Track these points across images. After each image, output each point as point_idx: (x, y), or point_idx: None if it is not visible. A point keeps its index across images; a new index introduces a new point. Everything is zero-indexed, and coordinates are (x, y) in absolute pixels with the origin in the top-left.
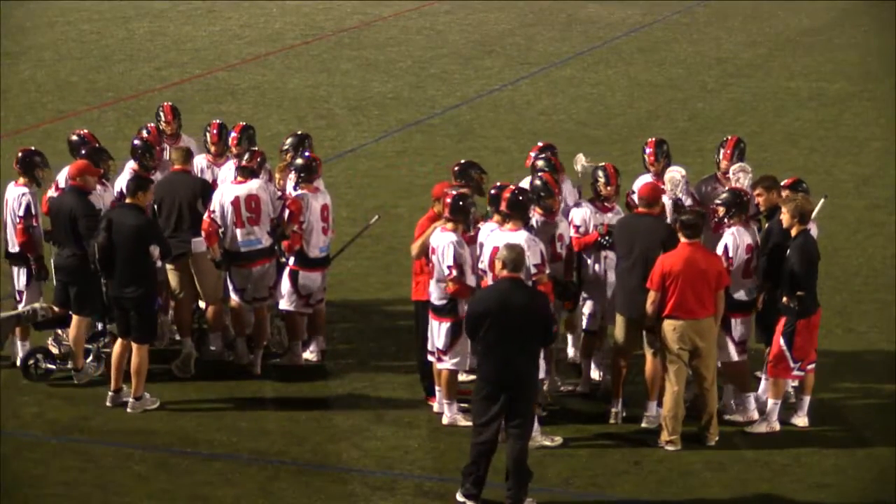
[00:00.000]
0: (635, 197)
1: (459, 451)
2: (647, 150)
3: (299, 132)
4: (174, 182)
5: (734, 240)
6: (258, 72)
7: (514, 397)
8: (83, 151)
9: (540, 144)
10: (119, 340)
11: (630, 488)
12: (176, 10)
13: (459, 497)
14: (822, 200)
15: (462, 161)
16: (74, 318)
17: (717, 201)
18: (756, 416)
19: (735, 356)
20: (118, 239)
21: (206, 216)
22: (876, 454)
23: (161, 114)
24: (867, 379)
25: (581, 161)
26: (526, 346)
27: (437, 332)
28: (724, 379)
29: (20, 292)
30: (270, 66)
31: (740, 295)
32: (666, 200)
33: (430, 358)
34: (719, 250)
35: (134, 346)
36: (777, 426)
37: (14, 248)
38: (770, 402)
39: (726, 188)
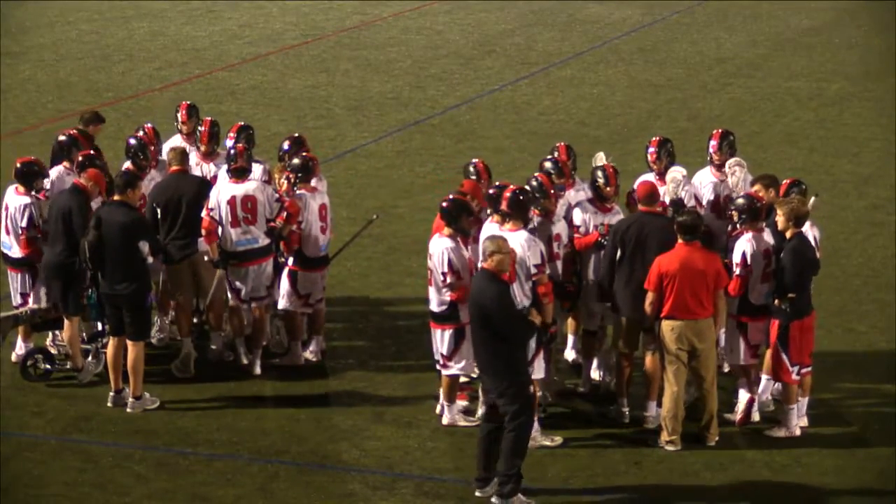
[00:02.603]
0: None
1: (459, 451)
2: (650, 150)
3: (295, 135)
4: (175, 183)
5: (752, 247)
6: (258, 72)
7: (490, 389)
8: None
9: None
10: (113, 339)
11: (630, 488)
12: (176, 10)
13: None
14: (813, 199)
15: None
16: (66, 318)
17: (732, 207)
18: (798, 432)
19: (745, 360)
20: (108, 236)
21: (204, 214)
22: (876, 454)
23: (178, 114)
24: (867, 379)
25: (601, 160)
26: (480, 337)
27: (440, 339)
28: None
29: (24, 294)
30: (270, 66)
31: (757, 299)
32: (666, 200)
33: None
34: (736, 258)
35: (129, 343)
36: (797, 431)
37: (18, 254)
38: (785, 407)
39: (719, 181)
